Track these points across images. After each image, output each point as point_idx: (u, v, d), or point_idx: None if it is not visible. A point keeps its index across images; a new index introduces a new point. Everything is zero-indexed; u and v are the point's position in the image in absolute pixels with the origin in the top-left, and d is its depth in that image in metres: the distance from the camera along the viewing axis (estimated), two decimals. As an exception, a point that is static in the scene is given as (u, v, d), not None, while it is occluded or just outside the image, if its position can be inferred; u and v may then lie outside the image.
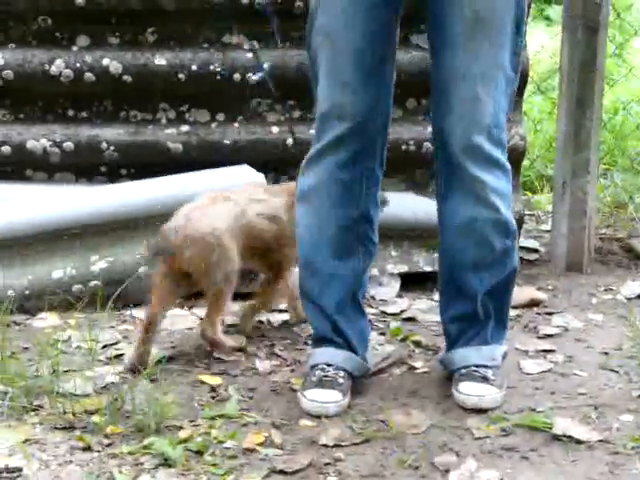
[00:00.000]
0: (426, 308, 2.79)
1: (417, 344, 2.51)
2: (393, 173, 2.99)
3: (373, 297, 2.89)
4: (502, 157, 2.09)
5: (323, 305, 2.15)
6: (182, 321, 2.65)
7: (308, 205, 2.14)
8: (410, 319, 2.71)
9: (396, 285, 2.96)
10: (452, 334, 2.21)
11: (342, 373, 2.12)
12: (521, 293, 2.88)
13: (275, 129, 2.97)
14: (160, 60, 2.90)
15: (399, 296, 2.91)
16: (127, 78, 2.90)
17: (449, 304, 2.20)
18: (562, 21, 3.11)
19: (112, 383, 2.18)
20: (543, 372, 2.32)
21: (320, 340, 2.18)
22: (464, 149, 2.03)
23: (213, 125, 2.98)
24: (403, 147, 2.98)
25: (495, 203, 2.07)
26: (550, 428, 1.95)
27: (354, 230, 2.14)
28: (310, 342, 2.27)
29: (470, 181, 2.05)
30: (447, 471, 1.78)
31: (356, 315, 2.19)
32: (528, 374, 2.31)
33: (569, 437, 1.92)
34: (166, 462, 1.78)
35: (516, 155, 3.10)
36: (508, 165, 2.12)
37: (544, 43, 6.13)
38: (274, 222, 2.43)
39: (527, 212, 3.94)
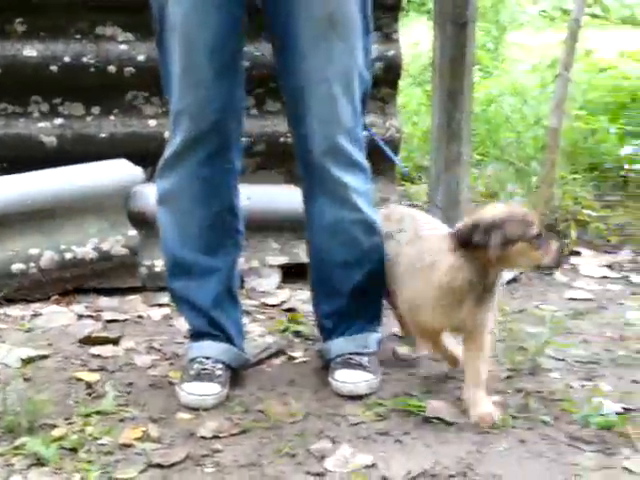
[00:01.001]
0: (307, 299, 2.80)
1: (297, 334, 2.54)
2: (272, 166, 3.04)
3: (254, 289, 2.92)
4: (361, 157, 2.13)
5: (198, 302, 2.15)
6: (58, 318, 2.60)
7: (170, 206, 2.13)
8: (291, 310, 2.74)
9: (276, 276, 2.98)
10: (327, 328, 2.25)
11: (220, 365, 2.13)
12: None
13: (152, 122, 2.95)
14: (30, 51, 2.84)
15: (279, 287, 2.95)
16: (-5, 69, 2.83)
17: (321, 301, 2.25)
18: (433, 17, 3.19)
19: (-17, 384, 2.13)
20: (417, 357, 2.38)
21: (197, 334, 2.19)
22: (326, 152, 2.05)
23: (88, 118, 2.95)
24: (281, 140, 3.00)
25: (358, 204, 2.11)
26: (422, 411, 2.01)
27: (220, 225, 2.15)
28: (188, 336, 2.26)
29: (333, 184, 2.08)
30: (323, 457, 1.81)
31: (232, 307, 2.21)
32: (403, 360, 2.37)
33: (440, 419, 1.98)
34: (39, 462, 1.75)
35: (392, 147, 3.17)
36: (367, 164, 2.16)
37: (423, 36, 6.29)
38: None
39: (405, 203, 4.04)
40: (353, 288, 2.18)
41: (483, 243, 1.87)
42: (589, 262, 3.20)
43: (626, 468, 1.77)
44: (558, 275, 3.05)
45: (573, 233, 3.36)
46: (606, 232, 3.43)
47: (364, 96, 2.12)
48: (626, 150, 3.86)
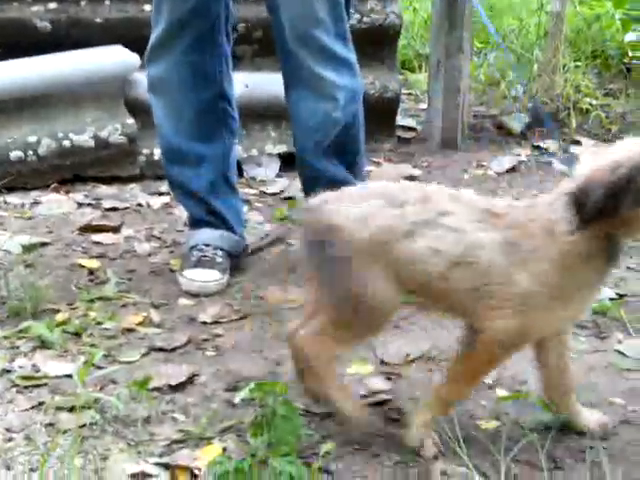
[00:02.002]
0: (305, 187, 2.83)
1: (297, 222, 2.55)
2: (270, 53, 2.97)
3: (253, 178, 2.92)
4: (344, 51, 2.07)
5: (195, 189, 2.15)
6: (58, 206, 2.61)
7: (161, 93, 2.10)
8: (290, 198, 2.74)
9: (275, 165, 2.98)
10: None
11: (220, 252, 2.15)
12: (396, 170, 2.96)
13: (148, 7, 2.87)
14: None
15: (279, 176, 2.94)
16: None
17: (308, 191, 2.24)
18: None
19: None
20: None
21: (196, 222, 2.20)
22: (300, 44, 2.00)
23: (83, 3, 2.87)
24: (279, 25, 2.93)
25: (336, 97, 2.07)
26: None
27: (213, 111, 2.13)
28: (187, 224, 2.27)
29: (310, 76, 2.04)
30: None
31: (229, 194, 2.21)
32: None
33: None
34: (43, 345, 1.79)
35: (392, 34, 3.13)
36: (352, 57, 2.10)
37: None
38: None
39: (406, 91, 4.00)
40: (334, 178, 2.14)
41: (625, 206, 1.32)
42: (589, 151, 3.18)
43: (618, 350, 1.82)
44: (557, 164, 3.05)
45: (574, 122, 3.34)
46: (607, 121, 3.41)
47: None
48: (629, 37, 3.78)
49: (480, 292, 1.40)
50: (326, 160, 2.16)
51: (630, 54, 3.78)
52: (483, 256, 1.39)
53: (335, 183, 2.15)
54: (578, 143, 3.24)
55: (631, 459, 1.46)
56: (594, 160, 1.39)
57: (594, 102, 3.50)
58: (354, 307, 1.44)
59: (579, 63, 3.67)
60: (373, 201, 1.46)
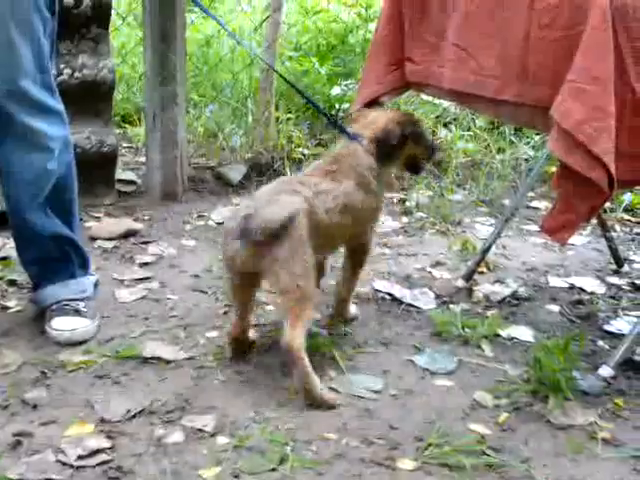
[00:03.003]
0: (20, 246, 2.73)
1: (12, 283, 2.46)
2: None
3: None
4: (52, 102, 2.06)
5: None
6: None
7: None
8: (4, 258, 2.64)
9: (-12, 225, 2.85)
10: (34, 275, 2.21)
11: None
12: (117, 225, 2.94)
13: None
14: None
15: (-6, 235, 2.83)
16: None
17: (23, 248, 2.19)
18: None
19: None
20: (138, 299, 2.40)
21: None
22: (8, 96, 1.97)
23: None
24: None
25: (50, 147, 2.06)
26: (141, 352, 2.04)
27: None
28: None
29: (21, 129, 2.01)
30: (36, 406, 1.79)
31: None
32: (123, 302, 2.37)
33: (158, 358, 2.02)
34: None
35: (105, 88, 3.13)
36: (60, 107, 2.10)
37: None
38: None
39: (126, 145, 4.00)
40: (52, 232, 2.14)
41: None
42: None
43: (331, 388, 1.92)
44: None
45: (288, 171, 3.50)
46: (318, 169, 3.60)
47: (51, 36, 2.04)
48: (335, 90, 4.04)
49: (359, 219, 2.06)
50: (42, 213, 2.11)
51: (337, 106, 4.03)
52: (347, 197, 2.01)
53: (54, 237, 2.13)
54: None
55: (344, 489, 1.54)
56: (378, 119, 2.14)
57: (306, 152, 3.69)
58: (310, 277, 1.86)
59: (291, 115, 3.85)
60: (284, 195, 1.90)
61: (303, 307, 1.84)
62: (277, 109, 3.82)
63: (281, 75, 2.47)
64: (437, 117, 3.81)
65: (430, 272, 2.67)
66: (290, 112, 3.88)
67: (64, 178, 2.13)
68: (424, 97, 3.77)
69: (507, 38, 2.01)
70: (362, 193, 2.05)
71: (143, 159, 3.71)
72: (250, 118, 3.78)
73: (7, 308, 2.31)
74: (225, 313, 2.30)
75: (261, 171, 3.51)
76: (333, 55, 4.24)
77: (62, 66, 3.00)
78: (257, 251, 1.84)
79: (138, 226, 2.98)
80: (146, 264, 2.68)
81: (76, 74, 3.03)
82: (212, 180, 3.50)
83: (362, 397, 1.89)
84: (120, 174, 3.41)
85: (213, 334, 2.17)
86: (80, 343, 2.09)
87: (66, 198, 2.16)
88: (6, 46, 1.92)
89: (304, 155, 3.66)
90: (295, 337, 1.81)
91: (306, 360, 1.82)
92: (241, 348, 2.05)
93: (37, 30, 1.96)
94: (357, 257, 2.20)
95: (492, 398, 1.90)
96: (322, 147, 3.81)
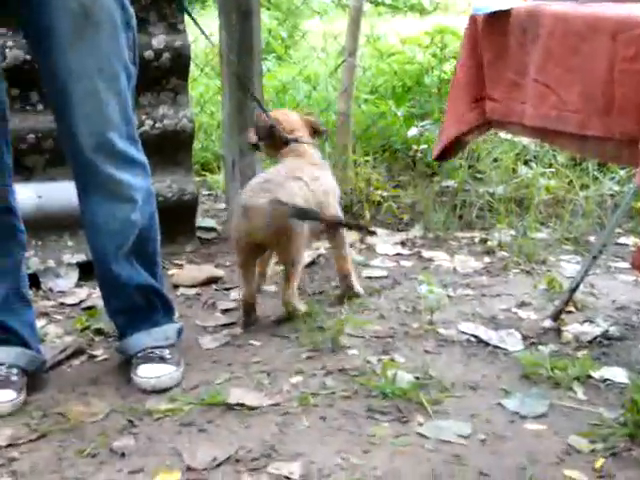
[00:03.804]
0: (106, 295, 2.77)
1: (98, 332, 2.49)
2: (62, 162, 2.94)
3: (51, 289, 2.83)
4: (136, 153, 2.09)
5: None
6: None
7: None
8: (90, 308, 2.68)
9: (74, 275, 2.91)
10: (120, 325, 2.24)
11: (15, 370, 2.06)
12: (199, 272, 2.96)
13: None
14: None
15: (78, 286, 2.88)
16: None
17: (109, 298, 2.23)
18: (217, 6, 3.19)
19: None
20: (221, 345, 2.40)
21: (-12, 340, 2.10)
22: (96, 149, 2.00)
23: None
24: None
25: (134, 198, 2.09)
26: (225, 399, 2.03)
27: (1, 227, 2.07)
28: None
29: (107, 181, 2.04)
30: (124, 455, 1.80)
31: (22, 309, 2.13)
32: (207, 349, 2.38)
33: (243, 405, 2.01)
34: None
35: (185, 137, 3.18)
36: (143, 158, 2.13)
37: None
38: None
39: (206, 192, 4.05)
40: (137, 283, 2.17)
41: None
42: (384, 241, 3.33)
43: (419, 433, 1.87)
44: (355, 255, 3.16)
45: (367, 214, 3.49)
46: (398, 211, 3.59)
47: (132, 91, 2.07)
48: (412, 132, 4.03)
49: (332, 199, 2.63)
50: (127, 264, 2.14)
51: (414, 147, 4.02)
52: (326, 183, 2.62)
53: (139, 287, 2.16)
54: (373, 234, 3.38)
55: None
56: (297, 120, 2.71)
57: (385, 194, 3.68)
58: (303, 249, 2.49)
59: (368, 158, 3.85)
60: (291, 182, 2.46)
61: (297, 272, 2.46)
62: (354, 152, 3.83)
63: (254, 97, 2.82)
64: (517, 155, 3.76)
65: (516, 313, 2.61)
66: (367, 155, 3.88)
67: (147, 229, 2.16)
68: (502, 135, 3.73)
69: (590, 71, 1.97)
70: (331, 179, 2.68)
71: (222, 206, 3.75)
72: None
73: (94, 357, 2.34)
74: (308, 358, 2.28)
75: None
76: (409, 96, 4.24)
77: (143, 117, 3.06)
78: (278, 229, 2.36)
79: (219, 273, 3.00)
80: (228, 310, 2.69)
81: (157, 125, 3.09)
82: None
83: (450, 442, 1.84)
84: (201, 221, 3.45)
85: (297, 379, 2.15)
86: (165, 390, 2.10)
87: (150, 248, 2.19)
88: (93, 99, 1.97)
89: (383, 197, 3.64)
90: (291, 294, 2.46)
91: (301, 309, 2.50)
92: (251, 312, 2.52)
93: (122, 83, 2.01)
94: (335, 233, 2.65)
95: (587, 442, 1.83)
96: (400, 188, 3.79)
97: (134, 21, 2.03)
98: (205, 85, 5.27)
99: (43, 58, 1.98)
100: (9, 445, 1.84)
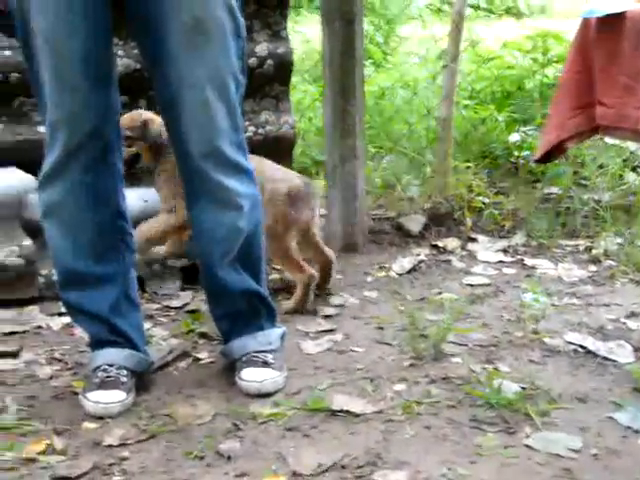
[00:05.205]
0: (209, 299, 2.81)
1: (202, 335, 2.53)
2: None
3: (155, 292, 2.89)
4: (244, 161, 2.11)
5: (96, 311, 2.11)
6: (-47, 333, 2.53)
7: (58, 217, 2.07)
8: (194, 311, 2.72)
9: (178, 279, 2.96)
10: (225, 330, 2.26)
11: (125, 372, 2.10)
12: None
13: (41, 128, 2.87)
14: None
15: (182, 289, 2.93)
16: None
17: (214, 303, 2.25)
18: (321, 13, 3.21)
19: None
20: (323, 351, 2.41)
21: (98, 342, 2.15)
22: (206, 156, 2.03)
23: (-23, 126, 2.86)
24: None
25: (241, 205, 2.11)
26: (329, 405, 2.03)
27: (111, 230, 2.12)
28: (89, 345, 2.22)
29: (215, 187, 2.07)
30: (230, 458, 1.81)
31: (132, 312, 2.18)
32: (308, 354, 2.39)
33: (347, 411, 2.01)
34: (-61, 483, 1.70)
35: (287, 143, 3.20)
36: (250, 165, 2.15)
37: (315, 33, 6.31)
38: None
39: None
40: (242, 289, 2.19)
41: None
42: (485, 248, 3.28)
43: (527, 445, 1.84)
44: (456, 262, 3.13)
45: (468, 220, 3.45)
46: (500, 217, 3.53)
47: (241, 99, 2.09)
48: (514, 137, 3.97)
49: None
50: (233, 270, 2.17)
51: (516, 153, 3.96)
52: None
53: (244, 292, 2.18)
54: (474, 240, 3.34)
55: None
56: (154, 118, 2.63)
57: (486, 200, 3.63)
58: None
59: (469, 164, 3.81)
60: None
61: None
62: (454, 158, 3.79)
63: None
64: (624, 161, 3.65)
65: (625, 323, 2.53)
66: (468, 161, 3.83)
67: (253, 235, 2.18)
68: (608, 140, 3.63)
69: None
70: None
71: (322, 211, 3.75)
72: (428, 168, 3.77)
73: (198, 360, 2.37)
74: (411, 365, 2.27)
75: (441, 221, 3.47)
76: (510, 102, 4.17)
77: (246, 123, 3.09)
78: (313, 212, 2.73)
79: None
80: (329, 316, 2.69)
81: (259, 131, 3.12)
82: (391, 231, 3.49)
83: (561, 456, 1.79)
84: (300, 227, 3.46)
85: (400, 387, 2.14)
86: (269, 394, 2.11)
87: (255, 254, 2.21)
88: (203, 108, 2.00)
89: (484, 204, 3.59)
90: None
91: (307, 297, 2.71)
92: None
93: (232, 92, 2.03)
94: None
95: None
96: (502, 195, 3.73)
97: (244, 31, 2.06)
98: (303, 91, 5.30)
99: (155, 67, 2.03)
100: (120, 444, 1.88)
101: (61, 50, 1.92)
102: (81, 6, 1.90)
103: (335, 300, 2.82)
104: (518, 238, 3.37)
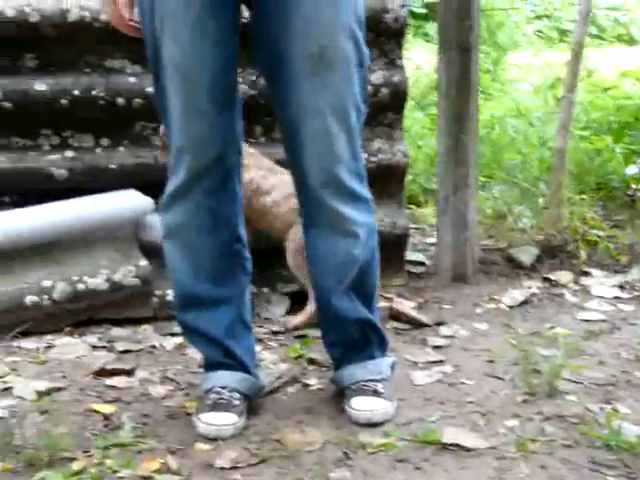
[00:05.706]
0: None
1: (311, 361, 2.53)
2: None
3: (262, 316, 2.91)
4: (361, 189, 2.11)
5: (212, 333, 2.15)
6: (72, 350, 2.60)
7: (178, 240, 2.12)
8: (302, 336, 2.73)
9: (286, 303, 2.98)
10: (335, 357, 2.26)
11: (237, 395, 2.13)
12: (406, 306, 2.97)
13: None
14: (41, 86, 2.87)
15: (290, 314, 2.94)
16: (7, 104, 2.86)
17: (327, 330, 2.26)
18: (438, 42, 3.21)
19: (0, 418, 2.13)
20: (433, 382, 2.38)
21: (212, 364, 2.19)
22: (324, 184, 2.04)
23: (98, 150, 2.96)
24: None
25: (357, 233, 2.11)
26: (440, 438, 2.01)
27: (229, 254, 2.15)
28: (202, 366, 2.26)
29: (331, 215, 2.08)
30: (343, 486, 1.81)
31: (245, 335, 2.21)
32: (418, 385, 2.36)
33: (458, 445, 1.98)
34: (60, 496, 1.75)
35: (399, 171, 3.20)
36: (368, 194, 2.15)
37: (423, 59, 6.31)
38: None
39: (413, 226, 4.04)
40: (355, 317, 2.18)
41: None
42: (600, 282, 3.20)
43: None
44: (569, 296, 3.06)
45: (583, 253, 3.36)
46: (615, 252, 3.43)
47: (360, 128, 2.10)
48: (631, 169, 3.87)
49: None
50: (347, 298, 2.18)
51: (633, 186, 3.86)
52: None
53: (357, 321, 2.18)
54: (588, 274, 3.26)
55: None
56: None
57: (601, 234, 3.54)
58: None
59: (584, 196, 3.73)
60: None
61: None
62: (568, 190, 3.71)
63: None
64: None
65: None
66: (583, 192, 3.75)
67: (368, 264, 2.18)
68: None
69: None
70: None
71: (431, 240, 3.72)
72: (540, 199, 3.70)
73: (308, 386, 2.38)
74: (524, 401, 2.22)
75: (553, 254, 3.40)
76: (628, 132, 4.07)
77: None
78: None
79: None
80: (438, 347, 2.66)
81: (372, 158, 3.13)
82: (502, 262, 3.43)
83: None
84: (409, 255, 3.45)
85: (513, 423, 2.10)
86: (378, 424, 2.10)
87: (369, 283, 2.21)
88: (324, 137, 2.02)
89: (599, 237, 3.50)
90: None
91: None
92: None
93: (353, 121, 2.05)
94: None
95: None
96: (618, 228, 3.63)
97: (367, 61, 2.07)
98: (412, 118, 5.30)
99: (277, 95, 2.06)
100: (232, 467, 1.90)
101: (191, 77, 1.98)
102: (213, 34, 1.96)
103: (444, 331, 2.79)
104: (635, 273, 3.26)
